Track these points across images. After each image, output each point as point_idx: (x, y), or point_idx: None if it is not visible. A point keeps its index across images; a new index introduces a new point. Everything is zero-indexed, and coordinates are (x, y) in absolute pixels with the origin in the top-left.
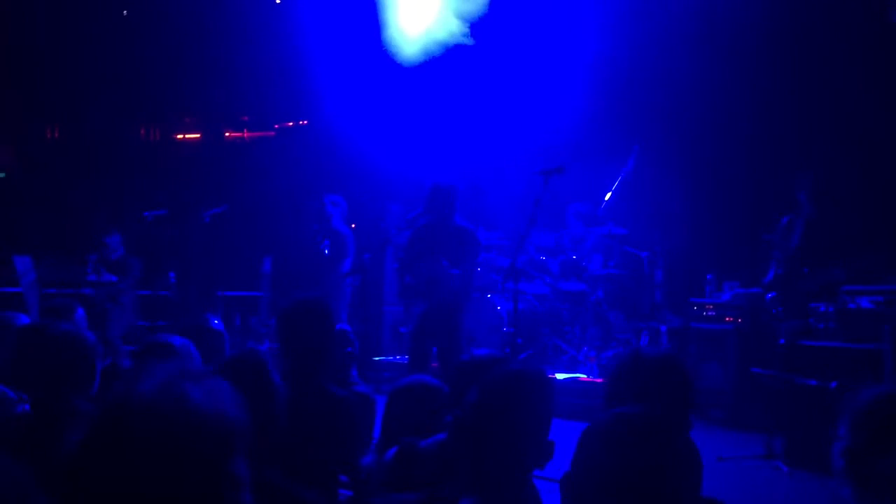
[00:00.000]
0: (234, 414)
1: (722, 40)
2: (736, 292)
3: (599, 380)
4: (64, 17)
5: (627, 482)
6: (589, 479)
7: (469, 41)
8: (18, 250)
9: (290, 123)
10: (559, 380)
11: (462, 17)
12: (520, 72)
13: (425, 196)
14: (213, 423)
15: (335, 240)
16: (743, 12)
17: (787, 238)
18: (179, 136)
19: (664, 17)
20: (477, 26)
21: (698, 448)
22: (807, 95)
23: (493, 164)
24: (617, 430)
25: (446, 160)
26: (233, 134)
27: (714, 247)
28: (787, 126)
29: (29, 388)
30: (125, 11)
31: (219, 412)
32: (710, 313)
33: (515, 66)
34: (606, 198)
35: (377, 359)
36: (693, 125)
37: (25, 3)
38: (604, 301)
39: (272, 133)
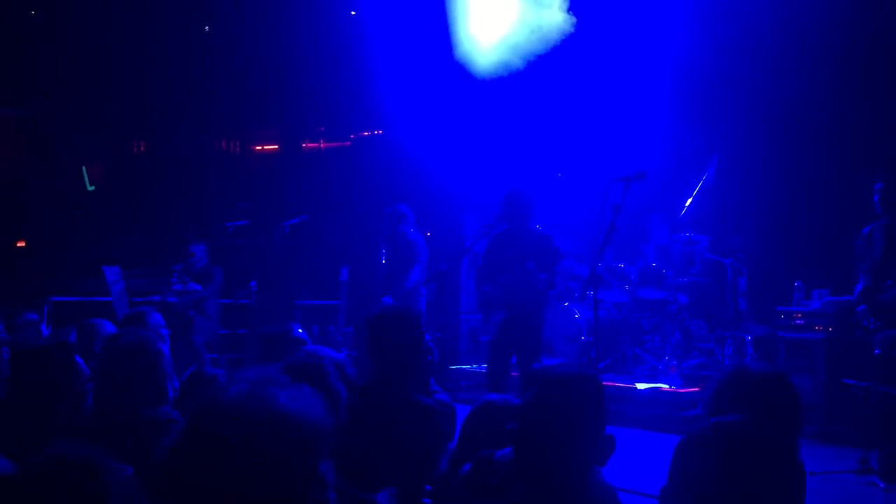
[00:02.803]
0: (320, 417)
1: (805, 43)
2: (826, 300)
3: (682, 390)
4: (149, 34)
5: (728, 494)
6: (688, 492)
7: (545, 48)
8: (108, 260)
9: (366, 133)
10: (639, 390)
11: (538, 26)
12: (597, 77)
13: (501, 203)
14: (300, 426)
15: (404, 248)
16: (826, 16)
17: (871, 248)
18: (258, 148)
19: (746, 22)
20: (553, 34)
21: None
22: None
23: (570, 170)
24: (716, 439)
25: (522, 168)
26: (310, 144)
27: (802, 253)
28: (877, 126)
29: (111, 395)
30: (206, 27)
31: (305, 415)
32: (798, 322)
33: (592, 72)
34: (687, 204)
35: (454, 367)
36: (777, 127)
37: (112, 25)
38: (685, 309)
39: (348, 143)
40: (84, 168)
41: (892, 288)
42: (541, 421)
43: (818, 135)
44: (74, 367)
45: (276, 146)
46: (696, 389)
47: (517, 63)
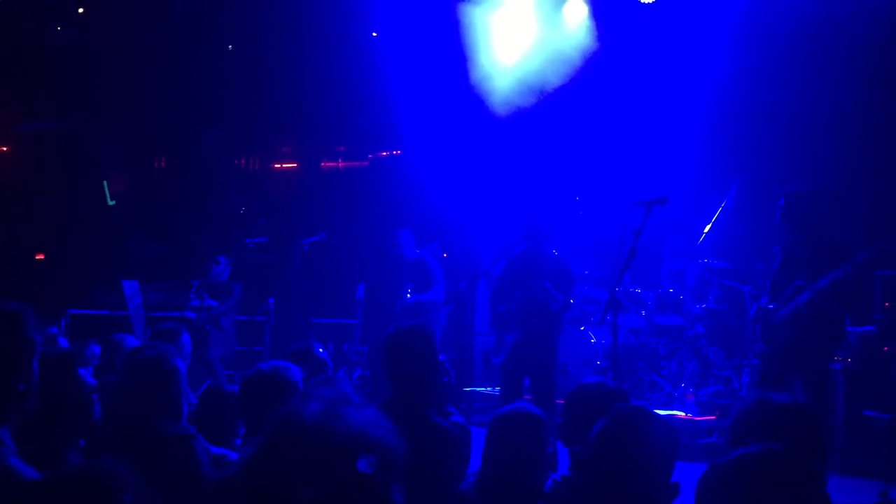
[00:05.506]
0: (392, 439)
1: (832, 69)
2: (846, 330)
3: (698, 418)
4: (171, 51)
5: None
6: None
7: (565, 71)
8: (127, 275)
9: (384, 153)
10: None
11: (558, 49)
12: (617, 101)
13: (521, 225)
14: (374, 447)
15: (420, 270)
16: (855, 42)
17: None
18: (278, 166)
19: (767, 48)
20: (571, 59)
21: None
22: None
23: (589, 194)
24: (741, 471)
25: (539, 190)
26: (328, 164)
27: None
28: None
29: (127, 408)
30: (230, 46)
31: (380, 437)
32: None
33: (611, 95)
34: (706, 230)
35: (468, 389)
36: (797, 154)
37: (134, 42)
38: (703, 336)
39: (366, 163)
40: (105, 183)
41: (780, 310)
42: (612, 455)
43: (841, 161)
44: (76, 378)
45: (296, 164)
46: (713, 417)
47: (536, 86)
